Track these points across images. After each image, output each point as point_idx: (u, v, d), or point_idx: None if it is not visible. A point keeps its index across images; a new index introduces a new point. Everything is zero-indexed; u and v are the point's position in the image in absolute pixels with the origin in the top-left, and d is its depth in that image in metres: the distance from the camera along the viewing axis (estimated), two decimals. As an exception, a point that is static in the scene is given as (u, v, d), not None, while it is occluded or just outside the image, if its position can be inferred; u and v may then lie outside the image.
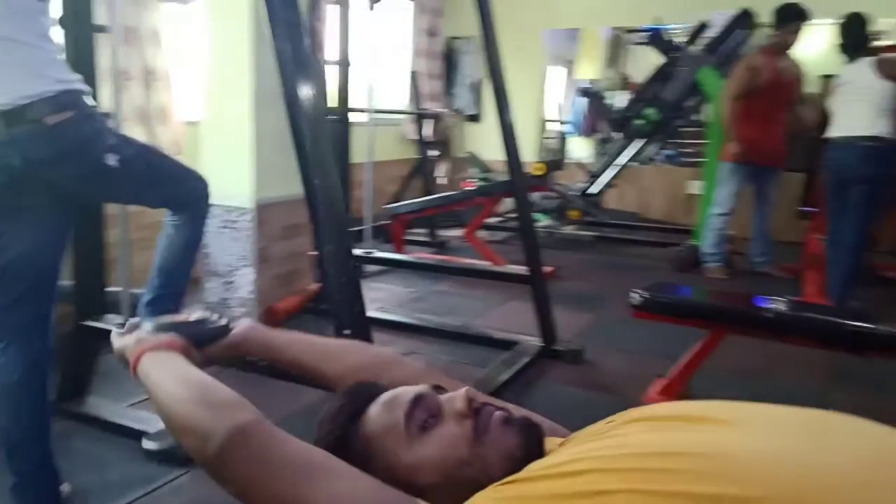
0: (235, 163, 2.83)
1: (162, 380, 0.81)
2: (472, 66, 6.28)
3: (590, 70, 9.41)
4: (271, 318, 2.94)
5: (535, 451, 0.71)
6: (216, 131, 2.89)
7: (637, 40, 7.88)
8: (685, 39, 4.71)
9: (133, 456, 1.90)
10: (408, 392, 0.77)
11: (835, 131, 3.42)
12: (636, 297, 2.19)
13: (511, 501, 0.61)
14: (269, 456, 0.67)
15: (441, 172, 5.54)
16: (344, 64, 3.53)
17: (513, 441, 0.72)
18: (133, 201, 1.84)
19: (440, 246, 4.81)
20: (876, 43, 3.63)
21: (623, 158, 4.94)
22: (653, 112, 4.38)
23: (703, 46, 4.38)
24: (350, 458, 0.74)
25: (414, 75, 5.36)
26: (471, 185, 5.04)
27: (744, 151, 3.96)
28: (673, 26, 5.01)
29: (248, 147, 2.83)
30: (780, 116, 4.08)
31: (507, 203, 4.98)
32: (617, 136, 5.37)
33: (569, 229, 4.96)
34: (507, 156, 2.67)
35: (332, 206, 1.57)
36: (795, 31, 3.91)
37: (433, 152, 5.30)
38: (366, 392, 0.81)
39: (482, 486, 0.66)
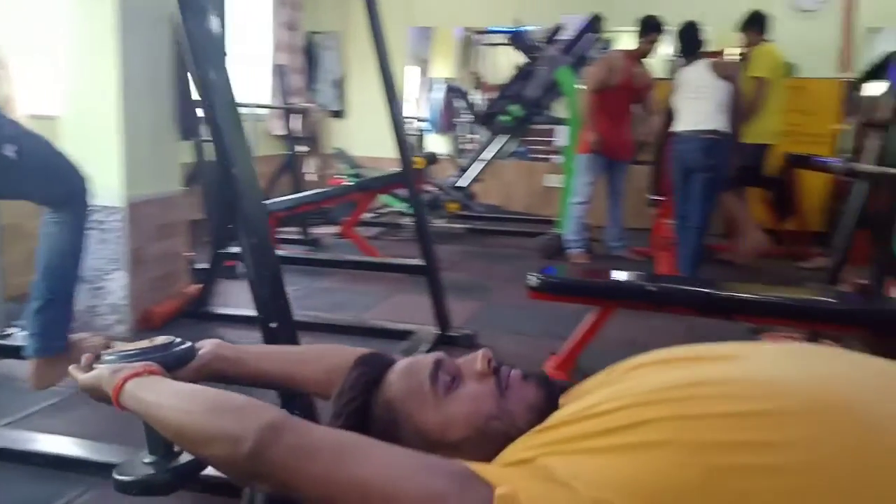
0: (102, 159, 2.61)
1: (162, 399, 0.79)
2: (333, 61, 6.22)
3: (443, 69, 9.66)
4: (147, 323, 2.77)
5: (554, 402, 0.76)
6: (78, 125, 2.65)
7: (487, 41, 8.25)
8: (542, 41, 4.99)
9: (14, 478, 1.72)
10: (426, 358, 0.80)
11: (679, 126, 3.81)
12: (533, 279, 2.31)
13: (549, 447, 0.65)
14: (304, 444, 0.67)
15: (310, 169, 5.44)
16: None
17: (534, 394, 0.77)
18: (18, 196, 1.66)
19: (313, 244, 4.73)
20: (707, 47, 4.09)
21: (489, 153, 5.14)
22: (517, 109, 4.62)
23: (559, 47, 4.67)
24: (374, 425, 0.76)
25: (279, 69, 5.21)
26: (340, 182, 5.00)
27: (598, 142, 4.29)
28: (530, 28, 5.28)
29: (117, 142, 2.63)
30: (628, 115, 4.48)
31: (379, 199, 5.02)
32: (480, 132, 5.61)
33: (441, 222, 5.07)
34: (399, 149, 2.70)
35: (252, 196, 1.52)
36: (652, 42, 4.30)
37: (302, 148, 5.19)
38: (380, 361, 0.83)
39: (511, 439, 0.70)
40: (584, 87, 4.35)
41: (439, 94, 9.08)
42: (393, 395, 0.79)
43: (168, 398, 0.78)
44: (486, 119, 5.02)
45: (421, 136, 7.78)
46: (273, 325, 1.51)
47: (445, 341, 2.77)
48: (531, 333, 2.99)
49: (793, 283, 3.72)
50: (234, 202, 1.52)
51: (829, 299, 2.21)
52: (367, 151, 5.73)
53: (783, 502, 0.55)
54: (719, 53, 4.56)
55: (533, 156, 6.94)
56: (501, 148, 5.31)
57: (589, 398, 0.70)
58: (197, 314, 2.99)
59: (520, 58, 5.06)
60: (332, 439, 0.69)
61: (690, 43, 3.94)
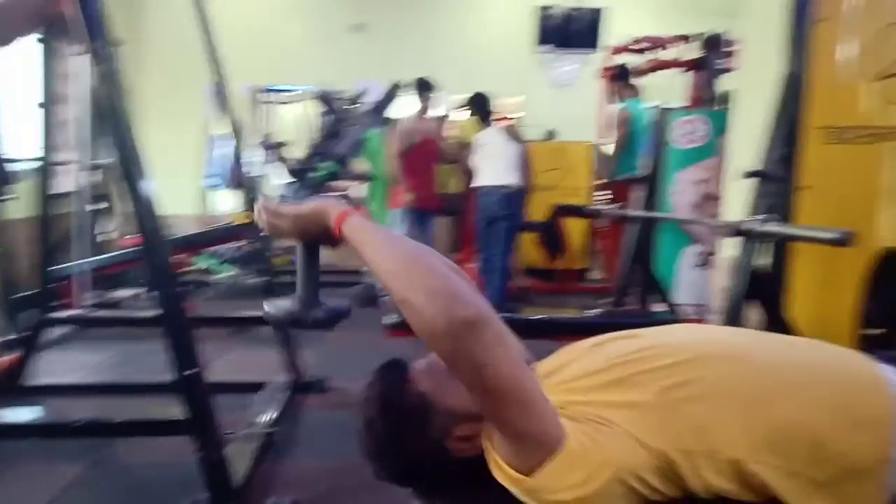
0: None
1: (383, 245, 0.91)
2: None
3: (228, 125, 9.50)
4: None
5: None
6: None
7: (272, 99, 8.39)
8: (348, 102, 5.31)
9: None
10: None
11: (481, 181, 4.34)
12: (391, 319, 2.54)
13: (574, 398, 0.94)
14: (484, 355, 0.83)
15: (107, 228, 5.06)
16: None
17: None
18: None
19: (114, 306, 4.43)
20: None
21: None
22: (329, 164, 4.82)
23: (367, 109, 5.02)
24: (404, 410, 0.98)
25: (62, 122, 4.84)
26: (136, 242, 4.76)
27: (412, 199, 4.69)
28: (333, 89, 5.58)
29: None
30: (431, 168, 4.96)
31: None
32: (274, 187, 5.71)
33: (256, 279, 5.04)
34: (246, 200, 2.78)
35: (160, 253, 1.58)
36: (428, 99, 4.84)
37: (94, 206, 4.82)
38: (400, 363, 1.02)
39: None
40: (392, 148, 4.73)
41: (227, 150, 8.94)
42: (423, 388, 1.00)
43: (389, 246, 0.90)
44: (299, 174, 5.15)
45: (206, 191, 7.63)
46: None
47: (300, 388, 2.86)
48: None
49: (585, 307, 4.37)
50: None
51: (603, 317, 2.73)
52: (167, 208, 5.49)
53: (704, 415, 0.91)
54: (503, 118, 5.26)
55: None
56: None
57: (576, 365, 0.98)
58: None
59: (304, 115, 5.29)
60: (508, 355, 0.85)
61: (482, 109, 4.53)
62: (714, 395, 0.92)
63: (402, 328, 2.55)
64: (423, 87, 4.77)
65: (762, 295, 2.16)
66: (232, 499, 1.61)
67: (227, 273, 5.00)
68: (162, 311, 1.57)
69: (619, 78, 4.91)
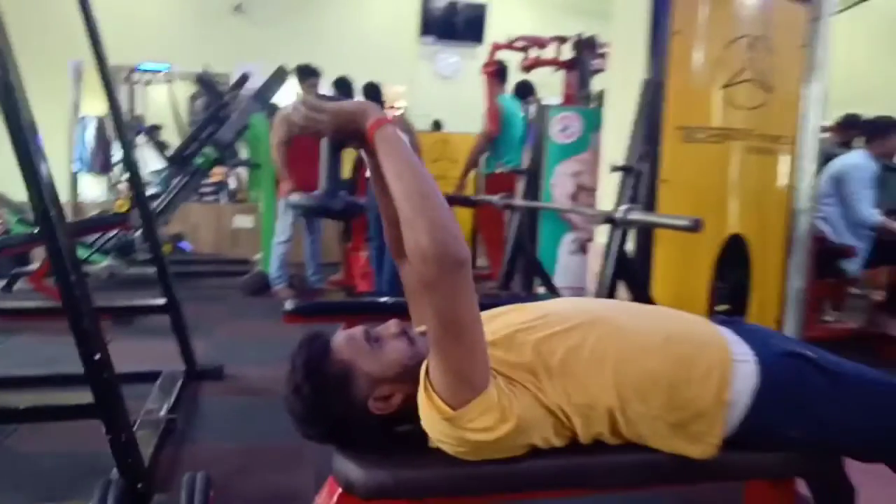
0: None
1: (415, 164, 1.03)
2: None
3: (94, 106, 9.01)
4: None
5: None
6: None
7: (145, 79, 8.00)
8: (232, 86, 5.22)
9: None
10: (356, 329, 1.15)
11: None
12: (289, 305, 2.62)
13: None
14: (464, 289, 0.98)
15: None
16: None
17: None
18: None
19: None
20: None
21: (181, 195, 5.10)
22: (211, 151, 4.73)
23: (251, 94, 4.96)
24: (329, 376, 1.10)
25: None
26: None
27: (295, 189, 4.69)
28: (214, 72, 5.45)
29: None
30: (315, 157, 4.97)
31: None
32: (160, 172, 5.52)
33: (134, 269, 4.86)
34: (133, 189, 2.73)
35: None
36: (314, 85, 4.86)
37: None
38: (322, 336, 1.13)
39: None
40: (276, 136, 4.71)
41: (91, 132, 8.45)
42: (344, 357, 1.11)
43: (412, 167, 1.02)
44: (179, 160, 5.01)
45: (74, 176, 7.21)
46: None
47: (196, 376, 2.86)
48: (270, 361, 3.22)
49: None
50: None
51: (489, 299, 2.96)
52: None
53: (586, 374, 1.10)
54: (397, 108, 5.38)
55: (215, 198, 6.98)
56: (188, 190, 5.32)
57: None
58: None
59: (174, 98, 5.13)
60: (473, 302, 0.99)
61: (374, 99, 4.63)
62: (594, 356, 1.12)
63: (300, 314, 2.63)
64: (308, 74, 4.78)
65: (629, 276, 2.44)
66: (143, 478, 1.65)
67: (102, 263, 4.78)
68: (65, 295, 1.57)
69: (497, 75, 5.17)
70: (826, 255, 3.78)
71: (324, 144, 1.01)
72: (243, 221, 6.09)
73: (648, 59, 2.72)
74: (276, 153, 4.63)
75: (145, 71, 7.69)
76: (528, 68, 4.65)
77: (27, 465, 2.11)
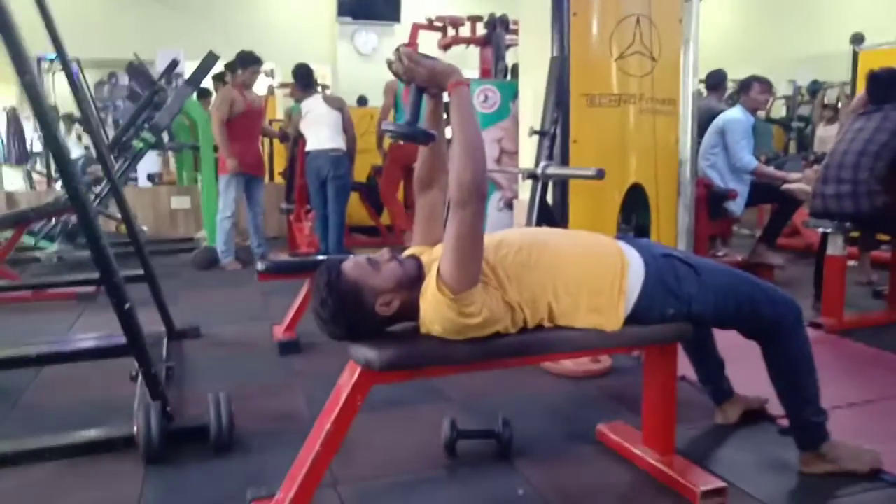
0: None
1: (475, 118, 1.47)
2: None
3: (6, 96, 8.82)
4: None
5: (420, 263, 1.61)
6: None
7: (53, 68, 7.89)
8: (161, 73, 5.37)
9: None
10: (361, 258, 1.56)
11: (310, 146, 4.78)
12: (261, 265, 2.98)
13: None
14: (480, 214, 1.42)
15: None
16: None
17: (414, 262, 1.59)
18: None
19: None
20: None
21: (121, 179, 5.26)
22: (149, 136, 4.91)
23: (185, 79, 5.15)
24: (344, 291, 1.50)
25: None
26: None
27: (237, 164, 4.96)
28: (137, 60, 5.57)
29: None
30: (255, 136, 5.25)
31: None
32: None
33: (82, 253, 5.00)
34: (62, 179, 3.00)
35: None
36: (255, 72, 5.11)
37: None
38: (335, 264, 1.54)
39: (412, 280, 1.53)
40: (215, 117, 4.94)
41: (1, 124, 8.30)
42: (355, 276, 1.53)
43: (473, 122, 1.44)
44: (119, 145, 5.14)
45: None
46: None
47: (177, 336, 3.18)
48: (240, 320, 3.59)
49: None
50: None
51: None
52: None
53: (534, 280, 1.57)
54: (325, 87, 5.67)
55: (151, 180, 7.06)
56: (124, 173, 5.46)
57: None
58: None
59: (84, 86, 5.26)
60: (483, 222, 1.44)
61: (306, 80, 4.93)
62: (536, 266, 1.58)
63: (272, 272, 3.01)
64: (250, 61, 5.01)
65: (550, 222, 2.93)
66: (169, 403, 2.02)
67: (51, 249, 4.92)
68: (98, 260, 1.90)
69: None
70: (714, 199, 4.44)
71: (412, 89, 1.39)
72: (181, 203, 6.27)
73: (553, 37, 3.20)
74: (218, 133, 4.87)
75: (52, 60, 7.59)
76: (446, 46, 5.05)
77: (48, 411, 2.40)
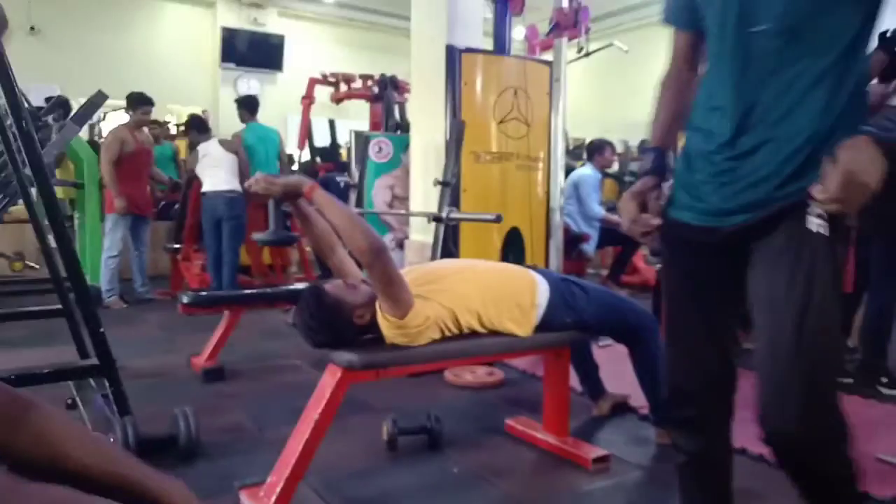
0: None
1: (338, 204, 1.89)
2: None
3: None
4: None
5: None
6: None
7: None
8: (45, 109, 5.29)
9: None
10: (337, 281, 1.95)
11: (206, 187, 4.97)
12: (185, 298, 3.20)
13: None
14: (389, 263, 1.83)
15: None
16: None
17: (370, 289, 2.01)
18: None
19: None
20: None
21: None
22: (31, 173, 4.83)
23: (71, 118, 5.13)
24: (327, 305, 1.89)
25: None
26: None
27: (124, 205, 5.01)
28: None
29: None
30: (144, 176, 5.33)
31: None
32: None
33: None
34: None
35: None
36: (147, 113, 5.24)
37: None
38: (318, 285, 1.92)
39: (374, 302, 1.96)
40: (105, 156, 4.98)
41: None
42: (336, 295, 1.92)
43: (340, 209, 1.89)
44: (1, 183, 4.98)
45: None
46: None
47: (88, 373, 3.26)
48: (152, 354, 3.71)
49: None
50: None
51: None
52: None
53: (466, 293, 2.06)
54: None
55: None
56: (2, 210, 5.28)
57: (408, 277, 2.03)
58: None
59: None
60: (395, 265, 1.85)
61: (201, 125, 5.14)
62: (471, 281, 2.08)
63: (195, 305, 3.24)
64: (141, 102, 5.13)
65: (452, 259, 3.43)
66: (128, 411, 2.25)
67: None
68: (76, 286, 2.11)
69: (243, 106, 5.73)
70: (570, 241, 5.21)
71: (271, 203, 1.88)
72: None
73: (447, 101, 3.78)
74: (107, 172, 4.92)
75: None
76: (338, 100, 5.50)
77: None
